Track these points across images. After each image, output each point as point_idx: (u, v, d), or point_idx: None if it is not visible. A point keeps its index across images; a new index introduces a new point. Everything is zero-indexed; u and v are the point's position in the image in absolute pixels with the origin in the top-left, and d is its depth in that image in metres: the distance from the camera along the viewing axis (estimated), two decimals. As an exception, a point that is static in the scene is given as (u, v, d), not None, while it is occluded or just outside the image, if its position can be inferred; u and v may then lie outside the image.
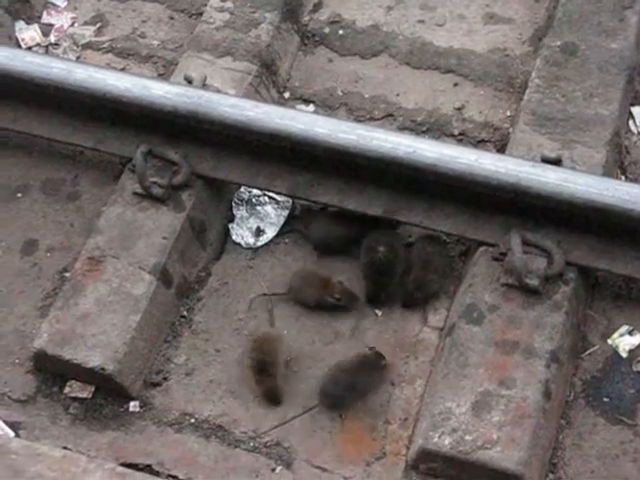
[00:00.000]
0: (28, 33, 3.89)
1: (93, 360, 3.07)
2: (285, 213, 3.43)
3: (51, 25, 3.93)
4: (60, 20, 3.94)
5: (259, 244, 3.40)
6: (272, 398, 3.09)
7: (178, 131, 3.37)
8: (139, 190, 3.32)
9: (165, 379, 3.17)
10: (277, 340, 3.15)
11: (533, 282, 3.04)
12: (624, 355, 3.09)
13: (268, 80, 3.64)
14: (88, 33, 3.90)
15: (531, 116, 3.34)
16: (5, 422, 3.08)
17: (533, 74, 3.45)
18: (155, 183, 3.31)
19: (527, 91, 3.42)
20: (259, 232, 3.41)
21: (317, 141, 3.21)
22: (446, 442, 2.86)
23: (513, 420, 2.87)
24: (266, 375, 3.08)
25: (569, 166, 3.17)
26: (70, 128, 3.49)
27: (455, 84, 3.64)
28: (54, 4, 3.99)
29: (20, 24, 3.91)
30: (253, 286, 3.30)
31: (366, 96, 3.65)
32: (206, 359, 3.20)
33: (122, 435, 3.08)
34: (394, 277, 3.22)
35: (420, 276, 3.21)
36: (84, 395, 3.14)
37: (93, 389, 3.14)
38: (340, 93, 3.67)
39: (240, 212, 3.45)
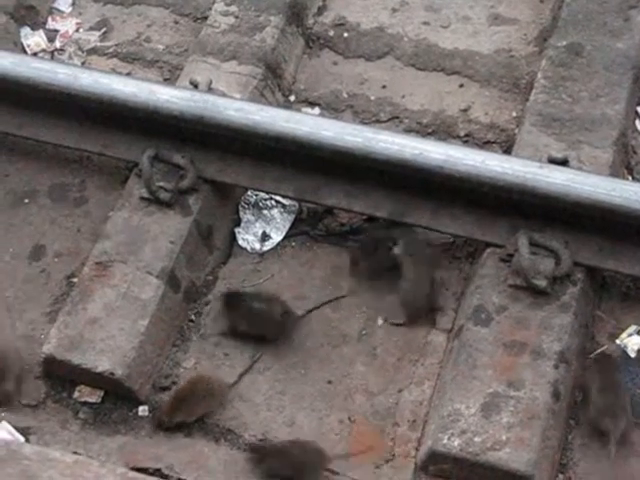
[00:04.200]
0: (33, 39, 3.89)
1: (102, 365, 3.07)
2: (291, 217, 3.43)
3: (56, 31, 3.93)
4: (65, 26, 3.94)
5: (265, 249, 3.39)
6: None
7: (184, 135, 3.37)
8: (146, 195, 3.33)
9: (174, 383, 3.17)
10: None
11: (541, 283, 3.04)
12: (632, 355, 3.08)
13: (273, 83, 3.64)
14: (93, 38, 3.90)
15: (537, 117, 3.34)
16: (15, 427, 3.08)
17: (539, 75, 3.45)
18: (162, 187, 3.31)
19: (533, 92, 3.42)
20: (265, 237, 3.41)
21: (323, 144, 3.22)
22: (455, 444, 2.86)
23: (522, 421, 2.87)
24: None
25: (576, 167, 3.17)
26: (76, 133, 3.50)
27: (461, 85, 3.64)
28: (59, 10, 4.00)
29: (25, 30, 3.91)
30: (260, 289, 3.30)
31: (372, 98, 3.65)
32: (214, 363, 3.19)
33: (131, 439, 3.08)
34: None
35: None
36: (93, 400, 3.14)
37: (102, 394, 3.14)
38: (345, 96, 3.67)
39: (246, 216, 3.45)
